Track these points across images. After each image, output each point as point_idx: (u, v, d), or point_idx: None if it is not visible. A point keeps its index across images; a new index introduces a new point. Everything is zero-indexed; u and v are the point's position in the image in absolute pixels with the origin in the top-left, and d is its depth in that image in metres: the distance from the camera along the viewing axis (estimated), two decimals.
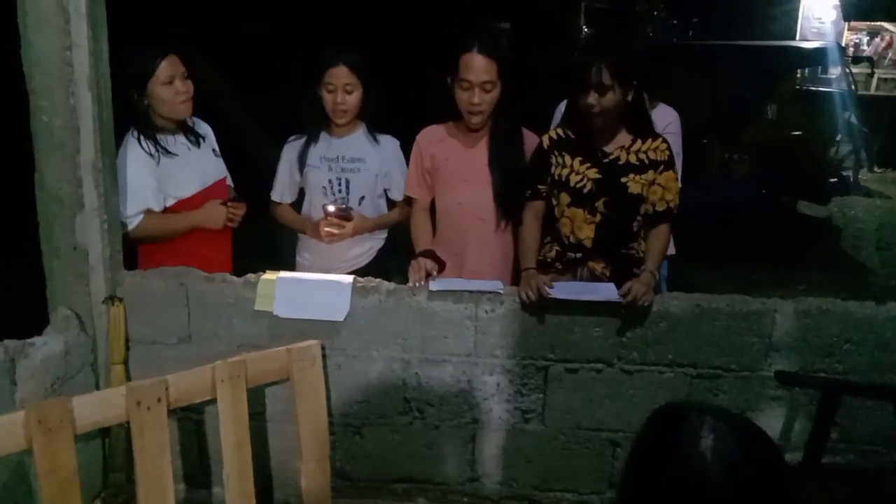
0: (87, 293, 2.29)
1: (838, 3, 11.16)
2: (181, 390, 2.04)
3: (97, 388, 2.32)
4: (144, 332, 2.38)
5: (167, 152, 2.52)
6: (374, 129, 2.78)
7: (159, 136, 2.53)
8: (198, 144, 2.66)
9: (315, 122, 2.76)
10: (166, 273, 2.41)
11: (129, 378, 2.33)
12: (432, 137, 2.70)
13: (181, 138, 2.60)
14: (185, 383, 2.05)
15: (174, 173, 2.53)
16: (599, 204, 2.42)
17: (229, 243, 2.74)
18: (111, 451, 2.32)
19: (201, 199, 2.61)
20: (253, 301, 2.34)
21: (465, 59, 2.48)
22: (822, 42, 9.02)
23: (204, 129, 2.73)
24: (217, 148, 2.76)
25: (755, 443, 0.98)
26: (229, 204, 2.64)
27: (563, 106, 2.71)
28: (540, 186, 2.51)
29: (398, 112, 2.93)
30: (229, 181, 2.80)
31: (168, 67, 2.46)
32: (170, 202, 2.55)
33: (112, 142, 2.29)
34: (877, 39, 11.40)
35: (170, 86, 2.47)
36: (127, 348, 2.36)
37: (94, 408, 1.94)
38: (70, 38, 2.07)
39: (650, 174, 2.40)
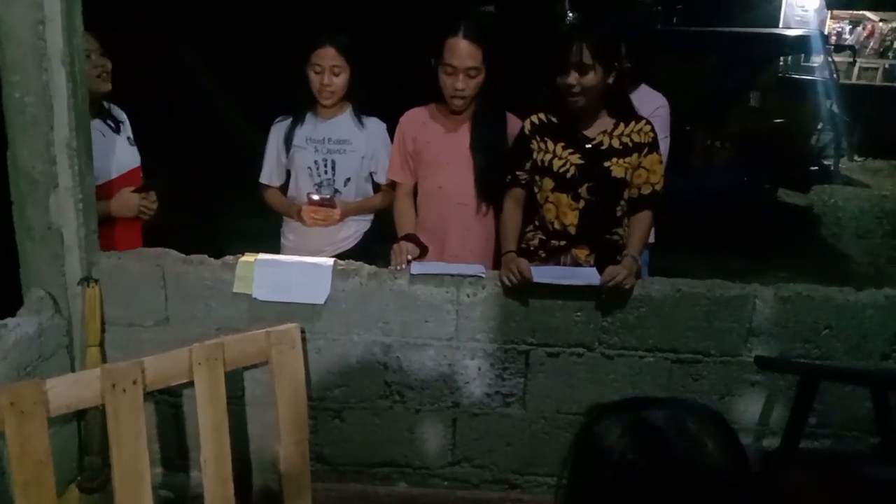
0: (61, 274, 2.25)
1: None
2: (158, 373, 2.01)
3: (72, 370, 2.28)
4: (120, 314, 2.34)
5: None
6: (361, 111, 2.75)
7: None
8: (116, 130, 2.61)
9: (302, 103, 2.73)
10: (143, 254, 2.37)
11: (104, 361, 2.29)
12: (415, 120, 2.67)
13: (97, 123, 2.51)
14: (162, 366, 2.02)
15: None
16: (583, 190, 2.40)
17: (139, 232, 2.68)
18: (86, 435, 2.29)
19: (114, 187, 2.56)
20: (231, 283, 2.31)
21: (450, 44, 2.45)
22: (805, 30, 9.05)
23: (121, 115, 2.67)
24: (132, 136, 2.70)
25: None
26: (141, 195, 2.59)
27: None
28: (519, 173, 2.49)
29: (385, 94, 2.91)
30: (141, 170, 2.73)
31: (84, 42, 2.38)
32: None
33: (87, 120, 2.24)
34: (859, 28, 11.46)
35: (87, 59, 2.39)
36: (103, 331, 2.32)
37: (69, 390, 1.90)
38: (43, 12, 2.01)
39: (634, 157, 2.39)
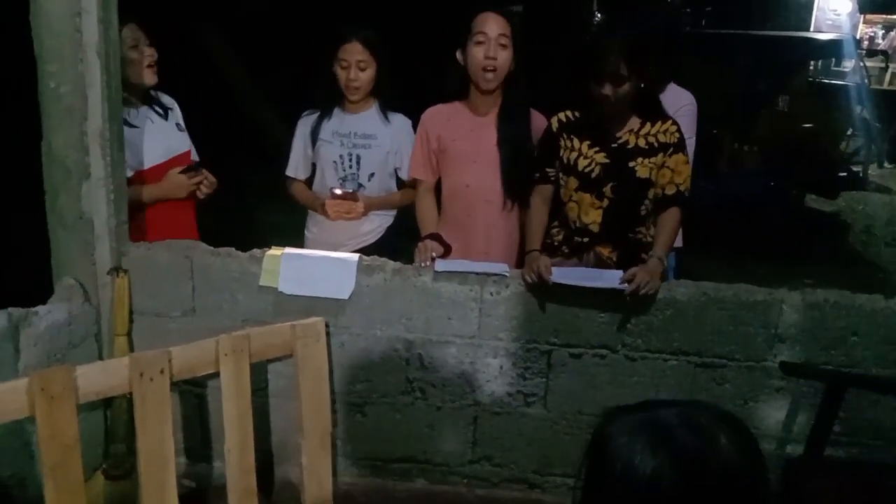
0: (91, 263, 2.29)
1: None
2: (184, 363, 2.04)
3: (100, 358, 2.32)
4: (149, 304, 2.37)
5: (128, 124, 2.45)
6: (387, 106, 2.77)
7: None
8: (164, 116, 2.64)
9: (328, 98, 2.75)
10: (172, 245, 2.40)
11: (132, 350, 2.33)
12: (439, 117, 2.67)
13: (145, 110, 2.57)
14: (189, 356, 2.04)
15: (134, 144, 2.49)
16: (607, 189, 2.40)
17: (192, 213, 2.72)
18: (113, 422, 2.32)
19: (163, 170, 2.59)
20: (258, 276, 2.33)
21: (480, 17, 2.50)
22: (836, 34, 8.93)
23: (169, 102, 2.71)
24: (182, 122, 2.73)
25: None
26: (189, 174, 2.62)
27: None
28: (548, 170, 2.49)
29: (412, 91, 2.91)
30: (195, 155, 2.77)
31: (130, 32, 2.41)
32: (128, 174, 2.48)
33: (120, 111, 2.27)
34: (892, 33, 11.29)
35: (135, 48, 2.43)
36: (131, 320, 2.35)
37: (97, 377, 1.93)
38: (80, 4, 2.05)
39: (659, 157, 2.37)
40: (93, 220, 2.24)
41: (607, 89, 2.26)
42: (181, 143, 2.70)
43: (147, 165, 2.54)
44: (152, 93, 2.61)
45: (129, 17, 2.37)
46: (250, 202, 5.59)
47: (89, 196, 2.21)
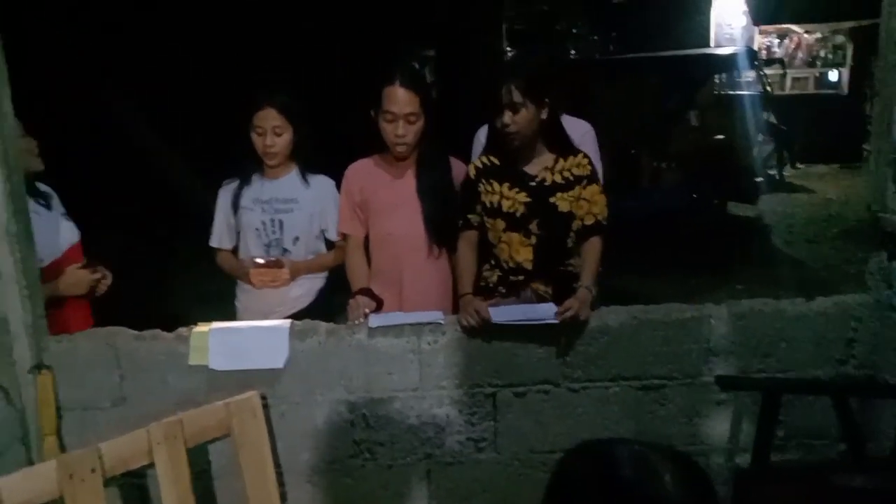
0: (11, 363, 2.19)
1: (746, 9, 11.64)
2: (116, 457, 1.95)
3: (30, 462, 2.21)
4: (76, 397, 2.28)
5: None
6: (308, 169, 2.75)
7: None
8: (48, 206, 2.55)
9: (247, 165, 2.73)
10: (94, 334, 2.32)
11: (63, 448, 2.23)
12: (360, 171, 2.69)
13: (31, 204, 2.39)
14: (120, 449, 1.96)
15: None
16: (533, 226, 2.44)
17: (88, 309, 2.63)
18: None
19: (60, 265, 2.50)
20: (187, 356, 2.27)
21: (388, 92, 2.48)
22: (735, 48, 9.36)
23: (48, 191, 2.60)
24: (65, 210, 2.64)
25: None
26: (90, 269, 2.54)
27: (481, 133, 2.74)
28: (470, 216, 2.52)
29: (332, 149, 2.92)
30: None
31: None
32: None
33: (25, 204, 2.20)
34: (786, 41, 11.91)
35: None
36: (59, 416, 2.25)
37: (24, 486, 1.84)
38: None
39: (577, 190, 2.44)
40: (8, 318, 2.15)
41: (506, 117, 2.33)
42: (72, 233, 2.61)
43: (44, 262, 2.41)
44: (33, 183, 2.50)
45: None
46: (181, 270, 5.48)
47: (2, 295, 2.13)
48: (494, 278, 2.56)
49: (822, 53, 11.80)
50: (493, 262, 2.57)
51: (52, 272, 2.46)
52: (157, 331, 2.33)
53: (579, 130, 2.85)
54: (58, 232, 2.55)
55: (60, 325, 2.42)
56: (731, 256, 6.05)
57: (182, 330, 2.33)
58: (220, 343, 2.26)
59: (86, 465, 1.88)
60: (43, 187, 2.59)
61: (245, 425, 2.13)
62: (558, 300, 2.34)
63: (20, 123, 2.39)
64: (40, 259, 2.43)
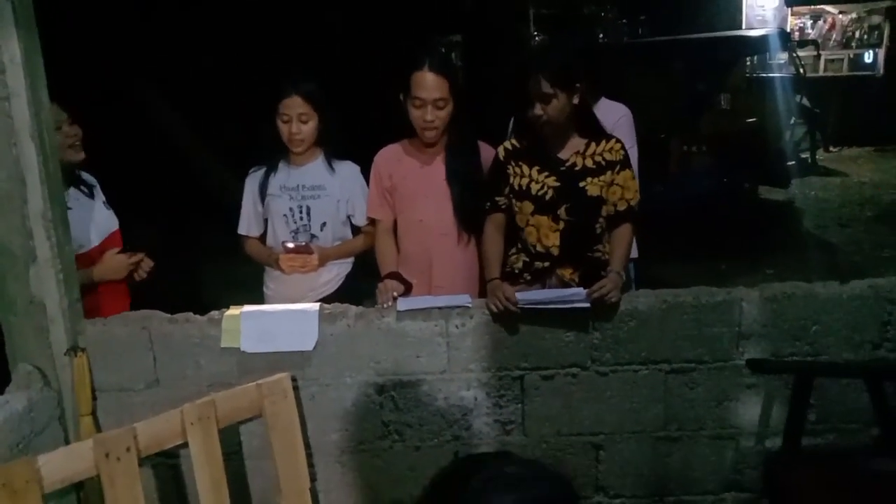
0: (48, 346, 2.23)
1: None
2: (151, 437, 1.99)
3: (67, 441, 2.26)
4: (111, 380, 2.32)
5: None
6: (334, 155, 2.77)
7: None
8: (90, 195, 2.62)
9: (273, 153, 2.75)
10: (128, 318, 2.36)
11: (98, 428, 2.28)
12: (389, 157, 2.70)
13: (72, 192, 2.52)
14: (155, 430, 2.00)
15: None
16: (562, 211, 2.43)
17: (126, 295, 2.69)
18: None
19: (97, 252, 2.56)
20: (219, 339, 2.30)
21: (416, 77, 2.48)
22: (767, 29, 9.18)
23: (91, 180, 2.68)
24: (106, 199, 2.70)
25: None
26: (129, 254, 2.60)
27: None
28: (498, 199, 2.51)
29: (360, 134, 2.93)
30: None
31: (52, 114, 2.40)
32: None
33: (61, 190, 2.24)
34: (820, 22, 11.66)
35: (58, 130, 2.39)
36: (94, 398, 2.30)
37: (62, 464, 1.88)
38: (7, 89, 2.02)
39: (608, 175, 2.42)
40: (44, 302, 2.20)
41: (537, 109, 2.33)
42: (111, 221, 2.68)
43: (82, 249, 2.49)
44: (77, 172, 2.58)
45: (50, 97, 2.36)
46: (211, 261, 5.56)
47: (38, 279, 2.17)
48: (520, 264, 2.55)
49: (857, 34, 11.53)
50: (519, 245, 2.57)
51: (90, 260, 2.52)
52: (190, 314, 2.37)
53: (616, 114, 2.84)
54: (99, 220, 2.61)
55: (100, 310, 2.47)
56: (762, 241, 5.98)
57: (214, 313, 2.36)
58: (252, 326, 2.29)
59: (121, 444, 1.92)
60: (86, 176, 2.66)
61: (276, 406, 2.15)
62: (585, 286, 2.33)
63: (67, 112, 2.44)
64: (80, 245, 2.49)
